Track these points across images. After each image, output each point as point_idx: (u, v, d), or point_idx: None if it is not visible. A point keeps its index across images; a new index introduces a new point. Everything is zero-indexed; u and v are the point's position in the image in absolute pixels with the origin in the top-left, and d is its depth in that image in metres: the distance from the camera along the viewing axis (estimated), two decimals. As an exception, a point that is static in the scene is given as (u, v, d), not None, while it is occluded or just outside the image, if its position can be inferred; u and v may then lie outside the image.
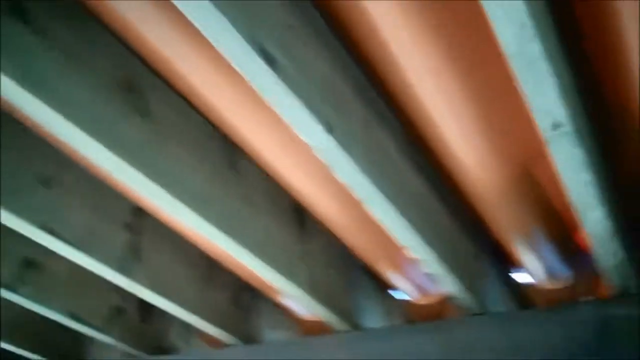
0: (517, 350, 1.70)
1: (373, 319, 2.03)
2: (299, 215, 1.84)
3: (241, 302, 2.17)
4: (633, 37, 1.17)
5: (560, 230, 1.75)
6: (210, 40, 1.09)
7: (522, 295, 1.95)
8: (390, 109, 1.44)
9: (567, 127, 1.13)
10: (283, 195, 1.79)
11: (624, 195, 1.57)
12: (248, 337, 2.20)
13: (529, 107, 1.13)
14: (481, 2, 0.95)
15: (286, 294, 1.90)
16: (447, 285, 1.75)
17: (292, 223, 1.84)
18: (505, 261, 1.91)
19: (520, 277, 1.93)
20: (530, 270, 1.87)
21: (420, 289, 2.01)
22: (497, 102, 1.36)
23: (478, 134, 1.46)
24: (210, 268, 2.08)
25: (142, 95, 1.46)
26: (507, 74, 1.10)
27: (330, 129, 1.24)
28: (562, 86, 1.08)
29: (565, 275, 1.87)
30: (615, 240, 1.46)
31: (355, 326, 2.01)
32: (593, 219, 1.39)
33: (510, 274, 1.95)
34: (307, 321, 2.22)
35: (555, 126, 1.13)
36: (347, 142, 1.28)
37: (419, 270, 1.92)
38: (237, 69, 1.14)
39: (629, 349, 1.59)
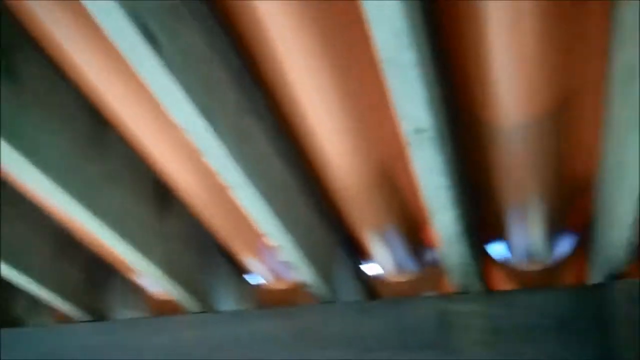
0: (364, 339, 1.79)
1: (227, 301, 2.06)
2: (161, 194, 1.84)
3: (94, 277, 2.13)
4: (488, 43, 1.25)
5: (411, 227, 1.85)
6: (91, 12, 1.08)
7: (371, 286, 2.04)
8: (266, 101, 1.47)
9: (430, 132, 1.21)
10: (147, 173, 1.78)
11: (473, 200, 1.68)
12: (99, 314, 2.17)
13: (395, 110, 1.19)
14: (362, 5, 0.99)
15: (140, 271, 1.90)
16: (301, 273, 1.81)
17: (153, 201, 1.83)
18: (358, 253, 1.99)
19: (371, 269, 2.02)
20: (380, 263, 1.96)
21: (275, 274, 2.06)
22: (367, 102, 1.43)
23: (346, 132, 1.52)
24: (65, 241, 2.03)
25: (8, 56, 1.41)
26: (380, 76, 1.16)
27: (204, 114, 1.25)
28: (429, 94, 1.15)
29: (412, 269, 1.98)
30: (462, 242, 1.57)
31: (209, 308, 2.03)
32: (443, 220, 1.48)
33: (361, 266, 2.03)
34: (160, 300, 2.22)
35: (419, 131, 1.20)
36: (219, 129, 1.30)
37: (275, 257, 1.97)
38: (116, 44, 1.13)
39: (466, 344, 1.71)
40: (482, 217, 1.83)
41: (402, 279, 2.01)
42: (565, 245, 1.89)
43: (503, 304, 1.75)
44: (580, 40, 1.27)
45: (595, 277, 1.81)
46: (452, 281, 1.77)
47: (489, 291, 1.81)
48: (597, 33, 1.24)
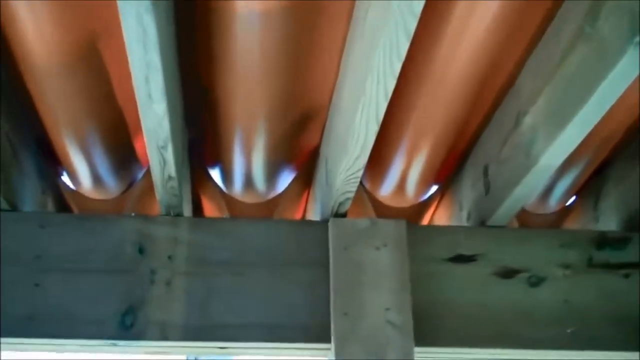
0: (43, 256, 1.48)
1: None
2: None
3: None
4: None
5: (118, 138, 1.57)
6: None
7: (62, 199, 1.72)
8: None
9: None
10: None
11: (196, 118, 1.44)
12: None
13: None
14: None
15: None
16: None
17: None
18: (52, 160, 1.66)
19: (64, 179, 1.70)
20: (77, 176, 1.66)
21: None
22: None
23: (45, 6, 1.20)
24: None
25: None
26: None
27: None
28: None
29: (113, 186, 1.70)
30: (173, 157, 1.33)
31: None
32: (152, 119, 1.22)
33: (54, 175, 1.71)
34: None
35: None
36: None
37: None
38: None
39: (165, 274, 1.48)
40: (205, 139, 1.60)
41: (100, 195, 1.72)
42: (285, 181, 1.73)
43: (214, 233, 1.53)
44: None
45: (315, 214, 1.67)
46: (159, 203, 1.52)
47: (198, 217, 1.58)
48: None
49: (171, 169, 1.36)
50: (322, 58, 1.37)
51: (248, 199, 1.74)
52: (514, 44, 1.36)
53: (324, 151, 1.56)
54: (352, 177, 1.37)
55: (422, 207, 1.80)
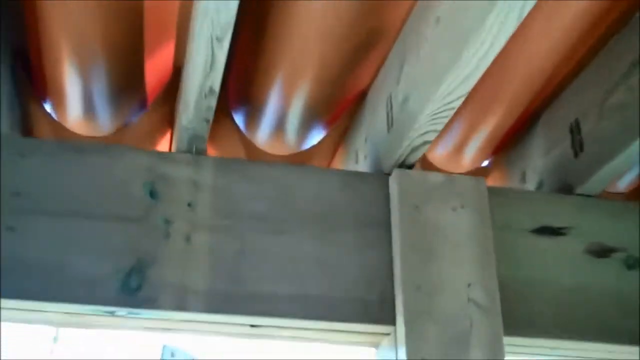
0: (16, 194, 1.11)
1: None
2: None
3: None
4: None
5: (129, 58, 1.22)
6: None
7: (30, 131, 1.35)
8: None
9: None
10: None
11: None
12: None
13: None
14: None
15: None
16: None
17: None
18: (27, 81, 1.30)
19: (45, 107, 1.33)
20: (64, 102, 1.30)
21: None
22: None
23: None
24: None
25: None
26: None
27: None
28: None
29: (108, 121, 1.35)
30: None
31: None
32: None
33: (29, 101, 1.34)
34: None
35: None
36: None
37: None
38: None
39: (182, 226, 1.12)
40: (234, 68, 1.27)
41: (88, 130, 1.36)
42: (318, 133, 1.42)
43: (247, 178, 1.19)
44: None
45: (362, 166, 1.35)
46: (180, 131, 1.17)
47: (224, 158, 1.23)
48: None
49: (216, 79, 1.02)
50: None
51: (273, 148, 1.41)
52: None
53: (386, 89, 1.25)
54: (447, 107, 1.06)
55: (479, 174, 1.50)
